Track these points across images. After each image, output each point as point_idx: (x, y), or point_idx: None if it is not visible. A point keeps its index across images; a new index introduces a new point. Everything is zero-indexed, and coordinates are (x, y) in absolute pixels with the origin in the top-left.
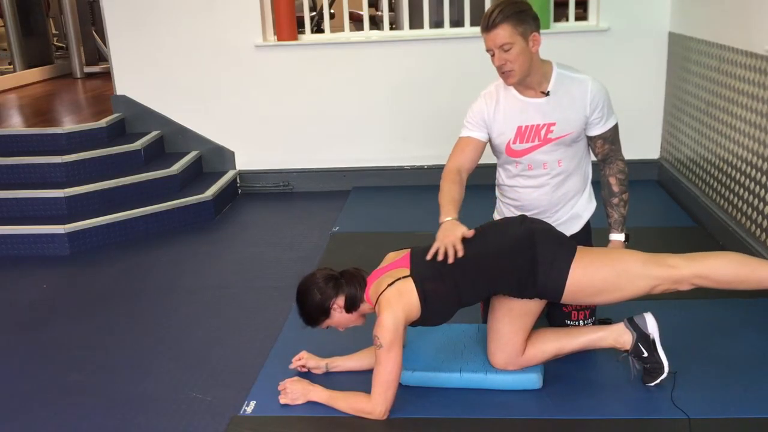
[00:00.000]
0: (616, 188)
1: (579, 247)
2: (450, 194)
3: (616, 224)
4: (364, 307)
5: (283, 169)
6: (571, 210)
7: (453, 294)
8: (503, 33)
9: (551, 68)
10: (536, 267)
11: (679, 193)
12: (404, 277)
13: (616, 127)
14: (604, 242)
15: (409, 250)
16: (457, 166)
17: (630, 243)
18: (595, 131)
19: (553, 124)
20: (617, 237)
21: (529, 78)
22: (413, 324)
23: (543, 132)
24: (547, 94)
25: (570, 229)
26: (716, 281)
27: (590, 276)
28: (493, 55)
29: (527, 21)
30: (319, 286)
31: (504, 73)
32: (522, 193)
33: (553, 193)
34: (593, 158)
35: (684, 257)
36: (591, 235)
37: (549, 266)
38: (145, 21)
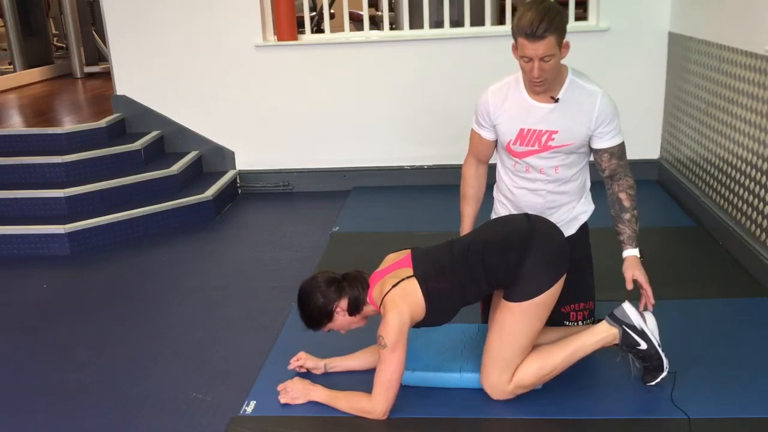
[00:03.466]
0: (627, 203)
1: (554, 289)
2: (467, 214)
3: (630, 240)
4: (367, 309)
5: (283, 169)
6: (566, 214)
7: (456, 291)
8: (548, 45)
9: (566, 73)
10: (519, 270)
11: (679, 193)
12: (408, 277)
13: (622, 146)
14: (601, 242)
15: (409, 250)
16: (475, 160)
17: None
18: (600, 144)
19: (555, 133)
20: (633, 252)
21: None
22: (417, 325)
23: (544, 138)
24: (557, 100)
25: (566, 232)
26: (539, 380)
27: (524, 320)
28: (527, 62)
29: (566, 30)
30: (321, 289)
31: (538, 82)
32: (517, 194)
33: (547, 196)
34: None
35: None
36: (588, 236)
37: (526, 279)
38: (146, 21)
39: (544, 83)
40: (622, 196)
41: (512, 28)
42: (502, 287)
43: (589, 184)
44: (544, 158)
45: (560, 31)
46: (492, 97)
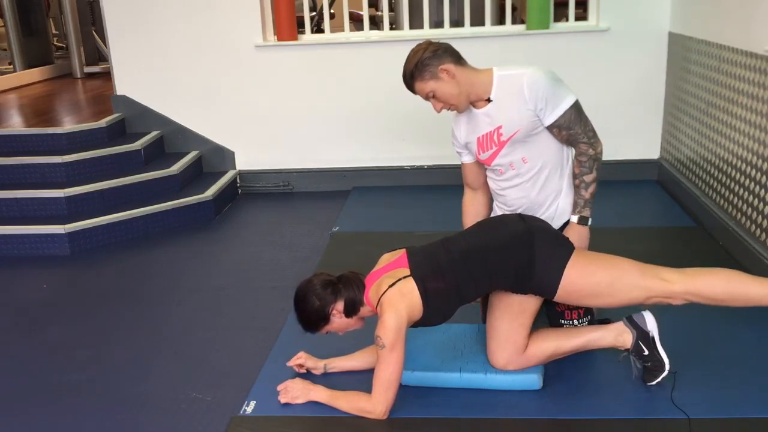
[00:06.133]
0: (576, 170)
1: (577, 248)
2: None
3: (575, 206)
4: (364, 310)
5: (283, 169)
6: (554, 205)
7: (454, 290)
8: (419, 89)
9: (491, 75)
10: (534, 264)
11: (679, 193)
12: (405, 277)
13: (571, 110)
14: (597, 242)
15: (404, 250)
16: (469, 189)
17: (627, 244)
18: (548, 120)
19: (500, 126)
20: (572, 219)
21: (471, 96)
22: (414, 325)
23: (495, 136)
24: (489, 100)
25: (558, 223)
26: (709, 298)
27: (585, 278)
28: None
29: (428, 66)
30: (317, 292)
31: (450, 110)
32: (505, 195)
33: (530, 190)
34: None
35: (680, 272)
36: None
37: (546, 264)
38: (146, 21)
39: (455, 108)
40: (575, 163)
41: None
42: (519, 288)
43: (571, 172)
44: (507, 154)
45: (419, 74)
46: (454, 125)
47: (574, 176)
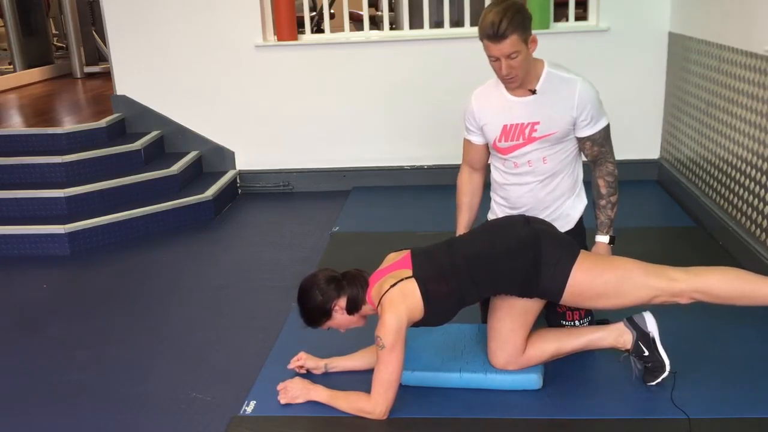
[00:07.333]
0: (603, 190)
1: (582, 251)
2: (462, 222)
3: (602, 226)
4: (366, 308)
5: (283, 169)
6: (559, 210)
7: (456, 294)
8: (512, 42)
9: (542, 67)
10: (539, 268)
11: (679, 193)
12: (407, 278)
13: (606, 129)
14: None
15: (409, 250)
16: (469, 168)
17: (627, 244)
18: (583, 133)
19: (537, 123)
20: (602, 239)
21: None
22: (415, 324)
23: (527, 131)
24: (534, 92)
25: (561, 229)
26: (716, 297)
27: (591, 280)
28: (495, 61)
29: (529, 26)
30: (320, 287)
31: (509, 79)
32: (509, 191)
33: (539, 191)
34: (584, 159)
35: (686, 270)
36: (585, 235)
37: (552, 268)
38: (146, 21)
39: (516, 80)
40: (600, 182)
41: (478, 31)
42: (524, 293)
43: (581, 176)
44: (531, 151)
45: (522, 28)
46: (475, 101)
47: (600, 196)
